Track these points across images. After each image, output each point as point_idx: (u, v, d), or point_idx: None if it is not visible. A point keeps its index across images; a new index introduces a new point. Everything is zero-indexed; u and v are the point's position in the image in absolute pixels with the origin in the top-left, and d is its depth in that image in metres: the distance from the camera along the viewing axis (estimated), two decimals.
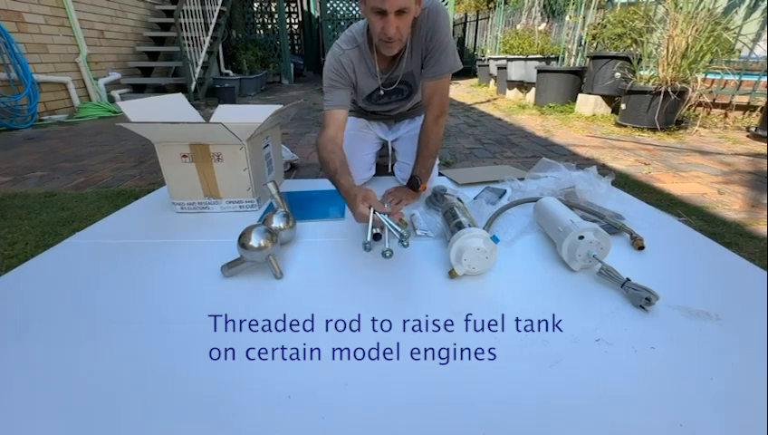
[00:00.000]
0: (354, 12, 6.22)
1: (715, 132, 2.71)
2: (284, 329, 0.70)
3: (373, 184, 1.44)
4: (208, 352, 0.65)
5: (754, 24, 2.95)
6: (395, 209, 1.20)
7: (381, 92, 1.23)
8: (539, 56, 4.42)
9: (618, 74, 3.09)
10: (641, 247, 0.94)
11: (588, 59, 3.57)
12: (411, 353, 0.64)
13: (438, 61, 1.10)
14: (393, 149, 1.50)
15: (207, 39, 4.82)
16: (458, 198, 1.09)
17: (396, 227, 0.83)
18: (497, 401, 0.55)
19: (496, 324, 0.70)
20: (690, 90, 2.65)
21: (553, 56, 4.39)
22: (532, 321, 0.70)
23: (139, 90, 4.59)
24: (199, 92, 4.56)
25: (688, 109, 2.87)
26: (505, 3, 6.22)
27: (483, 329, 0.69)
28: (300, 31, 8.87)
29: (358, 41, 1.13)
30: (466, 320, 0.72)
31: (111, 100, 4.20)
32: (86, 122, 3.53)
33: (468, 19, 9.82)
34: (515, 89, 4.81)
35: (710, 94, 2.97)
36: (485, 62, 6.26)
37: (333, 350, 0.64)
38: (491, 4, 9.02)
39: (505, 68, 4.85)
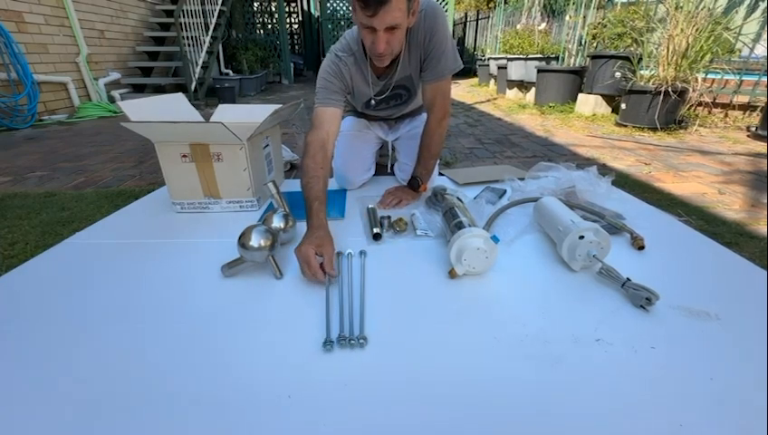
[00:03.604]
0: None
1: (715, 132, 2.71)
2: (284, 329, 0.70)
3: (373, 184, 1.44)
4: (208, 351, 0.65)
5: (754, 24, 2.95)
6: (392, 204, 1.19)
7: (373, 102, 1.22)
8: (539, 56, 4.42)
9: (618, 74, 3.09)
10: (641, 247, 0.94)
11: (588, 58, 3.57)
12: (411, 353, 0.64)
13: (439, 63, 1.08)
14: (393, 148, 1.50)
15: (207, 39, 4.82)
16: (458, 198, 1.08)
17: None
18: (497, 400, 0.55)
19: (496, 324, 0.70)
20: (690, 89, 2.65)
21: (553, 56, 4.39)
22: (532, 321, 0.70)
23: (139, 90, 4.59)
24: (199, 92, 4.56)
25: (689, 108, 2.87)
26: (505, 2, 6.22)
27: (483, 329, 0.69)
28: (300, 31, 8.87)
29: (353, 48, 1.10)
30: (466, 320, 0.72)
31: (111, 100, 4.20)
32: (86, 122, 3.53)
33: (468, 19, 9.82)
34: (515, 88, 4.81)
35: (710, 94, 2.97)
36: (485, 62, 6.26)
37: (334, 350, 0.64)
38: (491, 4, 9.03)
39: (505, 68, 4.85)
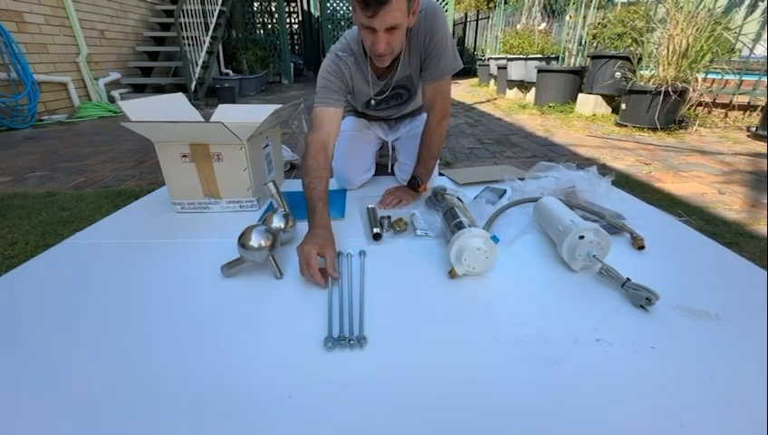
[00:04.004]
0: None
1: (715, 132, 2.71)
2: (284, 329, 0.70)
3: (373, 184, 1.44)
4: (208, 351, 0.65)
5: (754, 24, 2.95)
6: (392, 204, 1.19)
7: (373, 102, 1.22)
8: (539, 56, 4.42)
9: (618, 74, 3.09)
10: (641, 247, 0.94)
11: (588, 59, 3.57)
12: (411, 353, 0.64)
13: (439, 63, 1.08)
14: (393, 148, 1.50)
15: (207, 39, 4.82)
16: (458, 198, 1.08)
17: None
18: (497, 400, 0.55)
19: (496, 324, 0.70)
20: (690, 89, 2.65)
21: (553, 56, 4.39)
22: (532, 321, 0.70)
23: (139, 90, 4.59)
24: (199, 92, 4.56)
25: (689, 108, 2.86)
26: (505, 2, 6.22)
27: (483, 329, 0.69)
28: (300, 31, 8.87)
29: (353, 48, 1.10)
30: (466, 320, 0.72)
31: (111, 100, 4.20)
32: (86, 122, 3.53)
33: (468, 19, 9.82)
34: (515, 89, 4.81)
35: (710, 94, 2.97)
36: (485, 62, 6.26)
37: (334, 350, 0.64)
38: (491, 4, 9.03)
39: (505, 68, 4.85)
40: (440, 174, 1.57)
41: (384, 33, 0.91)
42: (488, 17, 8.13)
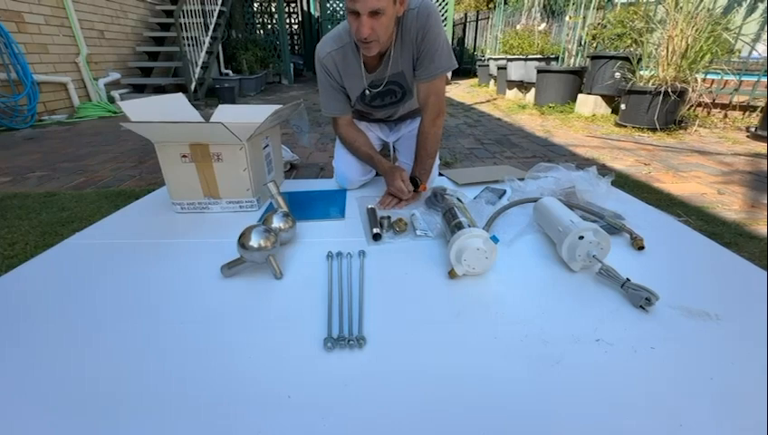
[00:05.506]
0: None
1: (714, 132, 2.71)
2: (284, 329, 0.70)
3: (374, 184, 1.44)
4: (208, 352, 0.65)
5: (754, 24, 2.96)
6: (392, 204, 1.21)
7: (367, 92, 1.22)
8: (539, 56, 4.42)
9: (618, 74, 3.10)
10: (641, 247, 0.94)
11: (588, 59, 3.57)
12: (411, 353, 0.64)
13: (432, 62, 1.09)
14: (395, 149, 1.50)
15: (207, 39, 4.82)
16: (458, 198, 1.08)
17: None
18: (497, 401, 0.55)
19: (496, 324, 0.70)
20: (690, 90, 2.66)
21: (553, 56, 4.40)
22: (531, 321, 0.70)
23: (139, 90, 4.60)
24: (199, 92, 4.56)
25: (688, 109, 2.87)
26: (505, 3, 6.22)
27: (482, 329, 0.69)
28: (300, 31, 8.87)
29: (344, 39, 1.11)
30: (466, 320, 0.72)
31: (111, 100, 4.20)
32: (86, 122, 3.53)
33: (468, 19, 9.83)
34: (515, 89, 4.81)
35: (710, 94, 2.97)
36: (485, 63, 6.27)
37: (333, 350, 0.64)
38: (491, 4, 9.04)
39: (505, 68, 4.86)
40: (440, 174, 1.57)
41: (368, 17, 0.92)
42: (488, 17, 8.14)
